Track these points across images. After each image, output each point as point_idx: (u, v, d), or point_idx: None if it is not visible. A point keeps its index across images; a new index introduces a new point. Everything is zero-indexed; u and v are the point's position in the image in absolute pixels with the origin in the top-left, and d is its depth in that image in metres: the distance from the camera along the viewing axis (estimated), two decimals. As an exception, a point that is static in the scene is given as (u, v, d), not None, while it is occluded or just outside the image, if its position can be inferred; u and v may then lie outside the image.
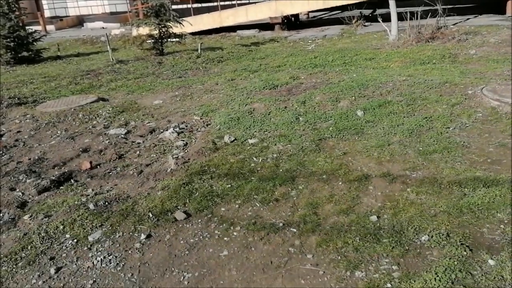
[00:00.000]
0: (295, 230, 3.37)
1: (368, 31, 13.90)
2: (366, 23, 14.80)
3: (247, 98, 6.76)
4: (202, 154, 4.78)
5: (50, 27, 20.54)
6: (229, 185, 4.08)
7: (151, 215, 3.65)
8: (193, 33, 15.79)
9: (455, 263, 2.76)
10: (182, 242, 3.34)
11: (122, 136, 5.81)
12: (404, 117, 5.31)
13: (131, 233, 3.46)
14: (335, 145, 4.78)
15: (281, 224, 3.45)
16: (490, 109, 5.23)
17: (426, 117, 5.18)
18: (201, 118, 6.27)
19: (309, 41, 13.34)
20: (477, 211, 3.28)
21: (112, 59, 11.34)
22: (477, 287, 2.56)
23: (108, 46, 11.81)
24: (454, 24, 12.06)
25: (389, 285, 2.69)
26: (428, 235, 3.07)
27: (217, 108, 6.54)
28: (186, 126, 5.99)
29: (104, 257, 3.20)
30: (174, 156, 4.74)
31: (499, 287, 2.54)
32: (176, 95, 7.70)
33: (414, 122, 5.07)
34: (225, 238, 3.36)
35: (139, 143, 5.58)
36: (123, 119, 6.51)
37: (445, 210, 3.34)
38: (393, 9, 11.22)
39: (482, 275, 2.65)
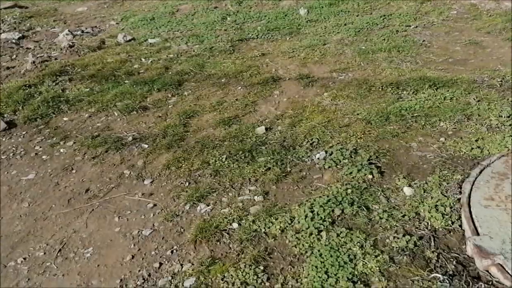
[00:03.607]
0: (146, 145, 2.29)
1: None
2: None
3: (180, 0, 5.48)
4: (76, 53, 3.61)
5: None
6: (89, 89, 2.95)
7: (-45, 125, 2.56)
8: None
9: (349, 191, 1.69)
10: (-21, 160, 2.28)
11: (14, 41, 4.64)
12: (356, 15, 4.07)
13: None
14: (256, 46, 3.60)
15: (130, 139, 2.37)
16: (469, 5, 3.97)
17: (384, 15, 3.94)
18: (117, 23, 5.05)
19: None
20: (410, 119, 2.16)
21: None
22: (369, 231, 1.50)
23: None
24: None
25: (235, 225, 1.64)
26: (326, 151, 1.98)
27: (141, 13, 5.29)
28: (93, 30, 4.79)
29: None
30: (35, 55, 3.57)
31: (415, 229, 1.48)
32: (105, 2, 6.39)
33: (367, 21, 3.84)
34: (44, 157, 2.30)
35: (28, 48, 4.42)
36: (28, 25, 5.33)
37: (364, 117, 2.23)
38: None
39: (383, 211, 1.59)
